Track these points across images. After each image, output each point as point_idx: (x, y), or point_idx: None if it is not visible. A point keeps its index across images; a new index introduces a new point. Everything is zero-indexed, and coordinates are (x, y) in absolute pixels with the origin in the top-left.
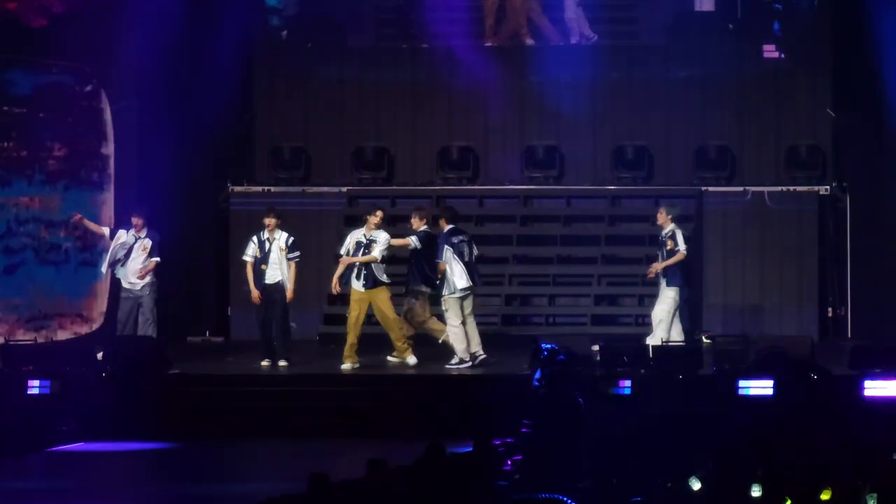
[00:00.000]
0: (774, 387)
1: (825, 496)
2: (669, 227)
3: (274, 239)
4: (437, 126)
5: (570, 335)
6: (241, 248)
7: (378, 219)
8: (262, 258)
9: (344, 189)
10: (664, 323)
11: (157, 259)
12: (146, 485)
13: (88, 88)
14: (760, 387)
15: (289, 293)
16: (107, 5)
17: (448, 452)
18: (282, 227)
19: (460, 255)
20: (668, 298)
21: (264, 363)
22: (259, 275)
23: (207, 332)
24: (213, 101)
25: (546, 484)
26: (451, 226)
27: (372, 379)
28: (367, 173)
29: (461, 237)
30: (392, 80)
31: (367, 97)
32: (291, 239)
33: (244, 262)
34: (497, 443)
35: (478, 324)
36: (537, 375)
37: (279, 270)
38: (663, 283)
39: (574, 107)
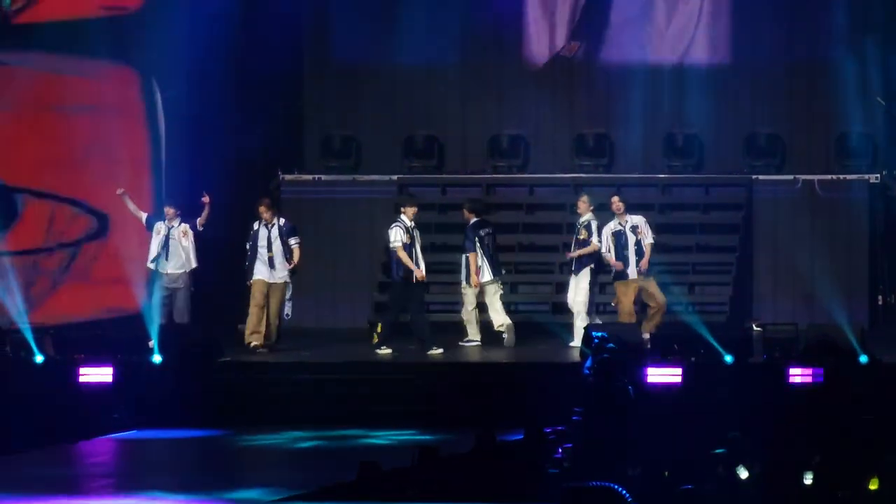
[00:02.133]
0: (823, 375)
1: (873, 486)
2: (587, 216)
3: (416, 227)
4: (487, 114)
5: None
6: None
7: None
8: (410, 245)
9: (394, 177)
10: (584, 312)
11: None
12: (195, 472)
13: (141, 78)
14: (809, 374)
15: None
16: None
17: (499, 440)
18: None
19: (485, 248)
20: (582, 289)
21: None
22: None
23: None
24: (264, 89)
25: (596, 472)
26: (477, 218)
27: (422, 367)
28: (417, 161)
29: (487, 229)
30: (442, 68)
31: (418, 85)
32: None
33: (396, 249)
34: (548, 431)
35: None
36: (588, 363)
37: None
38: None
39: (624, 94)
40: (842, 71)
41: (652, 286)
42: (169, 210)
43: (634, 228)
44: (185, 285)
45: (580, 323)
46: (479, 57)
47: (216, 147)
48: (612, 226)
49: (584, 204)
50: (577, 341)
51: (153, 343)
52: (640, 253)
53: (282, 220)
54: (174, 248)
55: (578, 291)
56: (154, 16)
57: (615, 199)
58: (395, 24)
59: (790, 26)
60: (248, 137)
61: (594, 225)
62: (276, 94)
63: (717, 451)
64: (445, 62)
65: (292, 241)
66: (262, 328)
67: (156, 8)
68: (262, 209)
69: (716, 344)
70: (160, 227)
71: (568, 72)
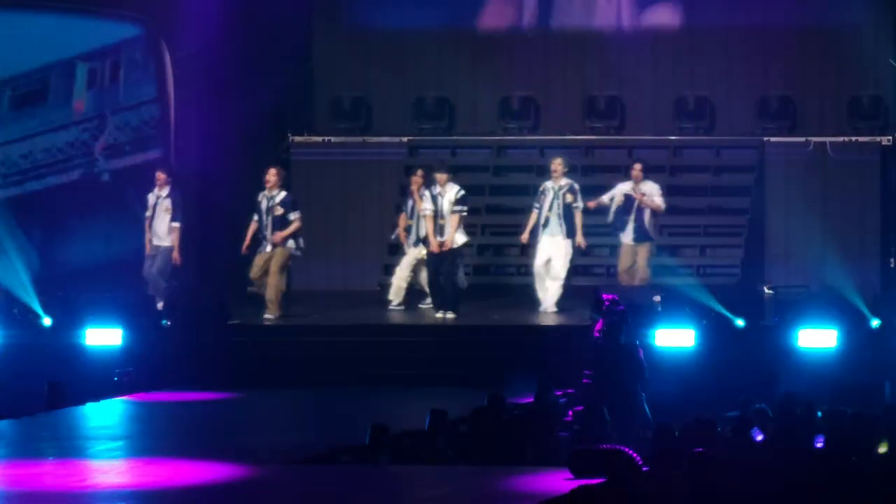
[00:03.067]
0: (836, 338)
1: (883, 449)
2: (565, 181)
3: (444, 193)
4: (498, 76)
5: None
6: (304, 198)
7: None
8: (438, 212)
9: (405, 139)
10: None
11: (178, 224)
12: (206, 434)
13: (149, 38)
14: (822, 337)
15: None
16: None
17: (509, 403)
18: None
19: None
20: (568, 254)
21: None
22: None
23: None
24: (273, 50)
25: (607, 435)
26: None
27: (432, 329)
28: (427, 123)
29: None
30: (453, 30)
31: (428, 46)
32: (461, 192)
33: (426, 216)
34: (558, 393)
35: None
36: (598, 326)
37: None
38: (561, 235)
39: (635, 57)
40: (854, 33)
41: (642, 256)
42: (160, 175)
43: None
44: (167, 248)
45: (559, 288)
46: (490, 17)
47: (225, 109)
48: (625, 188)
49: (562, 167)
50: (553, 306)
51: (161, 305)
52: (639, 220)
53: (282, 193)
54: (161, 217)
55: (562, 256)
56: None
57: (637, 166)
58: None
59: None
60: (258, 100)
61: (577, 186)
62: (286, 56)
63: (729, 413)
64: (456, 23)
65: (292, 216)
66: (270, 296)
67: None
68: (271, 172)
69: (727, 307)
70: (150, 197)
71: (579, 33)
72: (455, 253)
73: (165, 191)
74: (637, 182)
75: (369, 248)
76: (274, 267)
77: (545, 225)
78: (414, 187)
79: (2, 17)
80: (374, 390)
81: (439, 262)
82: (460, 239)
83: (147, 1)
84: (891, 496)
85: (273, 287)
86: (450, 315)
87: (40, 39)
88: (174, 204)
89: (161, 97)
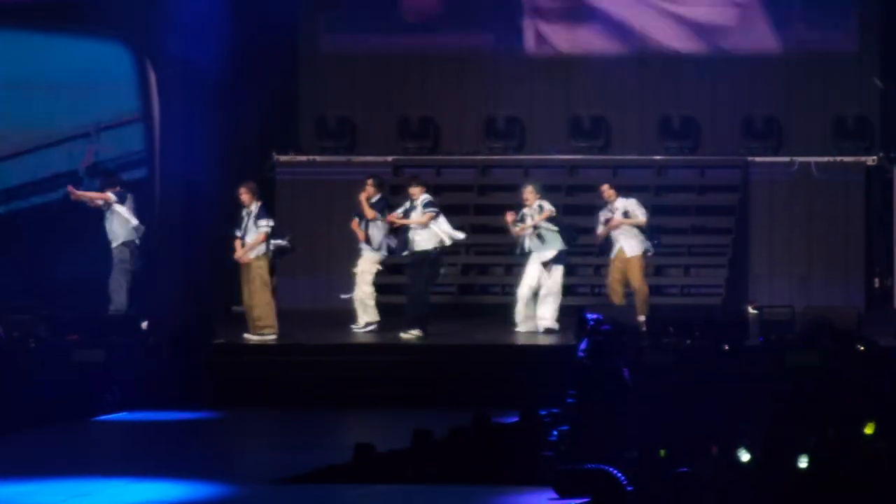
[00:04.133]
0: (820, 358)
1: (869, 430)
2: (537, 203)
3: (417, 205)
4: (482, 95)
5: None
6: (289, 218)
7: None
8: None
9: (389, 158)
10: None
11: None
12: (190, 454)
13: (133, 56)
14: (807, 358)
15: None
16: None
17: (494, 422)
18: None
19: None
20: (560, 271)
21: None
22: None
23: None
24: (258, 69)
25: (591, 454)
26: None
27: (417, 349)
28: (412, 143)
29: None
30: (438, 49)
31: (413, 66)
32: (428, 198)
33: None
34: (543, 413)
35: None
36: (582, 345)
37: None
38: (543, 251)
39: (620, 76)
40: (839, 53)
41: (632, 271)
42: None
43: (626, 214)
44: (115, 259)
45: (555, 306)
46: (475, 37)
47: (211, 128)
48: (603, 214)
49: (533, 195)
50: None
51: (145, 324)
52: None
53: (256, 205)
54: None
55: (554, 274)
56: None
57: (604, 187)
58: (391, 4)
59: (787, 9)
60: (243, 118)
61: (546, 203)
62: (271, 75)
63: (715, 433)
64: (441, 43)
65: (261, 223)
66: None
67: None
68: (240, 191)
69: (711, 327)
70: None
71: (564, 53)
72: (421, 259)
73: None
74: (611, 202)
75: (354, 268)
76: (254, 285)
77: (530, 250)
78: (363, 196)
79: None
80: (359, 410)
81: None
82: (427, 243)
83: (131, 18)
84: None
85: (261, 306)
86: (414, 332)
87: (23, 58)
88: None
89: (146, 115)
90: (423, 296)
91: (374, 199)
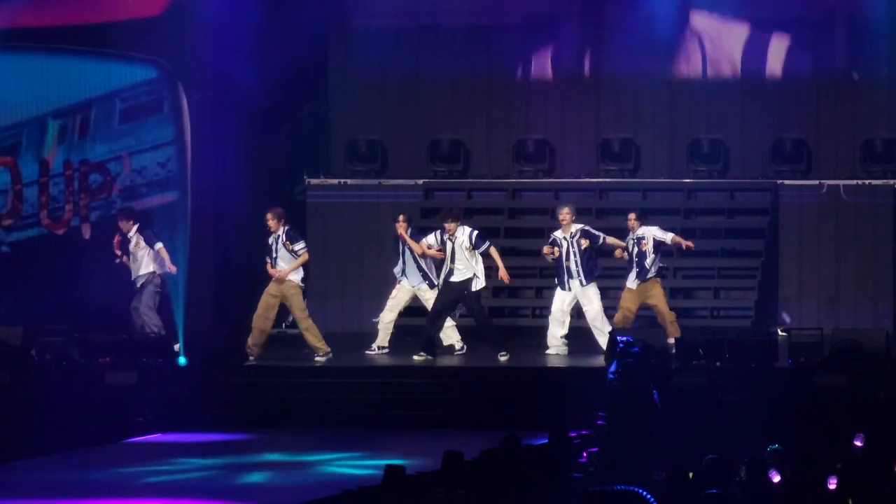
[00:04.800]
0: (849, 380)
1: None
2: (575, 227)
3: (455, 238)
4: (512, 119)
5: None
6: (320, 241)
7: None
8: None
9: (420, 182)
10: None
11: (159, 244)
12: (221, 475)
13: (166, 80)
14: (836, 380)
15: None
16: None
17: (524, 444)
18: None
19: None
20: (597, 294)
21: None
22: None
23: (284, 324)
24: (290, 93)
25: (621, 476)
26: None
27: (448, 371)
28: (442, 166)
29: None
30: (468, 73)
31: (443, 90)
32: (475, 231)
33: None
34: (573, 435)
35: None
36: (612, 368)
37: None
38: (578, 281)
39: (650, 99)
40: (868, 76)
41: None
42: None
43: (640, 240)
44: (143, 288)
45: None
46: (505, 61)
47: (242, 152)
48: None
49: (570, 216)
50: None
51: (178, 346)
52: (640, 265)
53: (283, 229)
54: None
55: (592, 301)
56: (179, 20)
57: (631, 216)
58: (420, 28)
59: (816, 32)
60: (274, 142)
61: (588, 227)
62: (302, 99)
63: (744, 455)
64: (471, 66)
65: (297, 246)
66: (255, 340)
67: (181, 12)
68: (267, 217)
69: (741, 349)
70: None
71: (594, 77)
72: (460, 287)
73: (133, 230)
74: (633, 231)
75: (385, 290)
76: (295, 312)
77: (569, 276)
78: (401, 231)
79: (21, 59)
80: (389, 431)
81: (454, 302)
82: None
83: (163, 43)
84: None
85: (308, 330)
86: (502, 357)
87: (60, 82)
88: (146, 235)
89: (178, 139)
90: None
91: (410, 233)
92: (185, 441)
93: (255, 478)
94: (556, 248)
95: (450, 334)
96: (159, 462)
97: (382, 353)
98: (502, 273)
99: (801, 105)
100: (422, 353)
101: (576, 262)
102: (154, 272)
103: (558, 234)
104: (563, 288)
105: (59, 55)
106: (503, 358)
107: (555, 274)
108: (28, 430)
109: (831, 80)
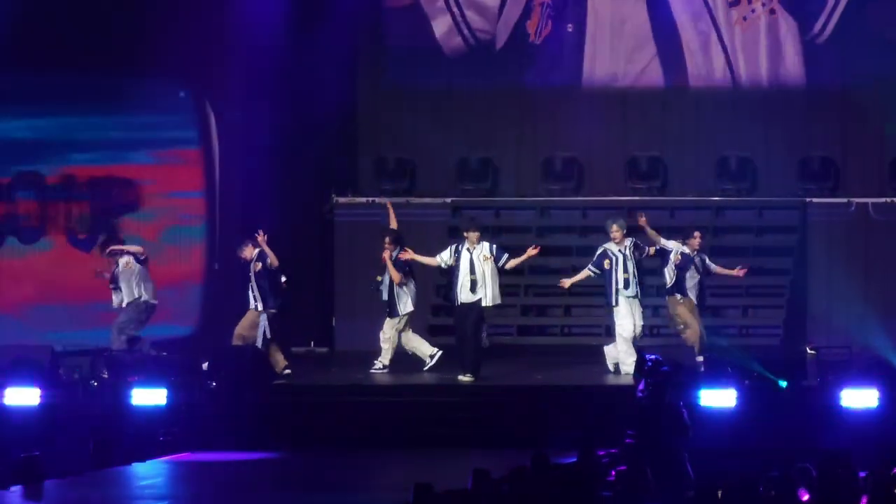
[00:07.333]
0: (879, 398)
1: None
2: (628, 241)
3: (474, 249)
4: (541, 137)
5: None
6: (348, 259)
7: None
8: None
9: (448, 200)
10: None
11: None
12: (250, 495)
13: (193, 99)
14: (865, 398)
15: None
16: (212, 16)
17: (552, 463)
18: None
19: None
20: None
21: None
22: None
23: (312, 343)
24: (317, 111)
25: (650, 495)
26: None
27: (477, 389)
28: (471, 184)
29: None
30: (496, 91)
31: (472, 107)
32: (494, 245)
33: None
34: (601, 453)
35: None
36: (641, 386)
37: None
38: (635, 291)
39: (678, 117)
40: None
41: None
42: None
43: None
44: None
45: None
46: (532, 78)
47: (270, 170)
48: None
49: (621, 231)
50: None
51: (206, 365)
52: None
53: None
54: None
55: (628, 317)
56: (205, 36)
57: (697, 234)
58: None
59: (843, 49)
60: (303, 160)
61: (637, 241)
62: (330, 116)
63: (772, 473)
64: (498, 84)
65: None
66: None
67: (207, 30)
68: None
69: (769, 367)
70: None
71: (621, 94)
72: (483, 312)
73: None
74: (620, 243)
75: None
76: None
77: (625, 287)
78: (385, 255)
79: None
80: (418, 450)
81: (465, 319)
82: (498, 298)
83: (191, 62)
84: None
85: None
86: (467, 378)
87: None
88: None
89: (206, 156)
90: (484, 343)
91: (394, 257)
92: (213, 460)
93: (284, 499)
94: (606, 261)
95: (418, 345)
96: (187, 481)
97: (384, 371)
98: (530, 251)
99: (829, 122)
100: (468, 374)
101: (633, 272)
102: (140, 297)
103: (611, 246)
104: (611, 304)
105: (87, 74)
106: (465, 379)
107: (602, 292)
108: (57, 449)
109: (858, 95)
